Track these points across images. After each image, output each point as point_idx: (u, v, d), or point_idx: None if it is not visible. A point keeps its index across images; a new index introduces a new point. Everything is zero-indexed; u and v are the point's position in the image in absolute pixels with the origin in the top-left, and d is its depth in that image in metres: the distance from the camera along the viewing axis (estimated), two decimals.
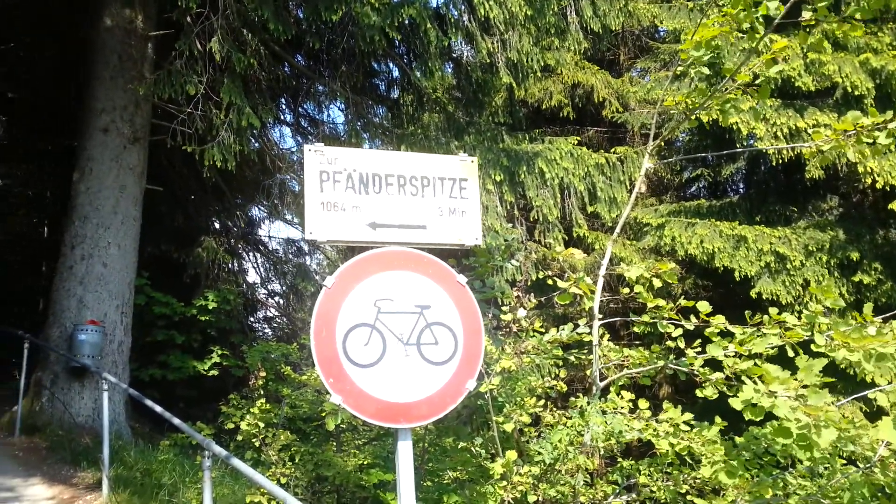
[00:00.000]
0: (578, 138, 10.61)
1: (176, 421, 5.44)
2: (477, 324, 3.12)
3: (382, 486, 5.11)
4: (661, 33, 15.51)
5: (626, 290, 4.06)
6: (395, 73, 11.53)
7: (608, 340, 4.28)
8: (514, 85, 9.50)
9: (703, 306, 3.72)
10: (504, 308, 3.98)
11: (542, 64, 9.90)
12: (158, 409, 5.87)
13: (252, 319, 13.92)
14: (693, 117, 4.23)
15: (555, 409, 4.14)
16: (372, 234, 3.18)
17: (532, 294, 4.11)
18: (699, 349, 3.83)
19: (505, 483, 3.51)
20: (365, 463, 5.41)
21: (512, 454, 3.37)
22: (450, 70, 11.13)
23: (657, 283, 3.87)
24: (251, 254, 13.85)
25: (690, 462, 3.83)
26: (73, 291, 8.97)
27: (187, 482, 6.76)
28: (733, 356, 3.51)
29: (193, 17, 8.07)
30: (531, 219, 9.34)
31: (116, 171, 9.24)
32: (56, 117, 13.77)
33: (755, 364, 3.28)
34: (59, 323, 8.95)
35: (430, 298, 3.10)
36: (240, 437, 5.73)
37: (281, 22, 7.90)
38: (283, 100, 12.24)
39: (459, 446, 4.03)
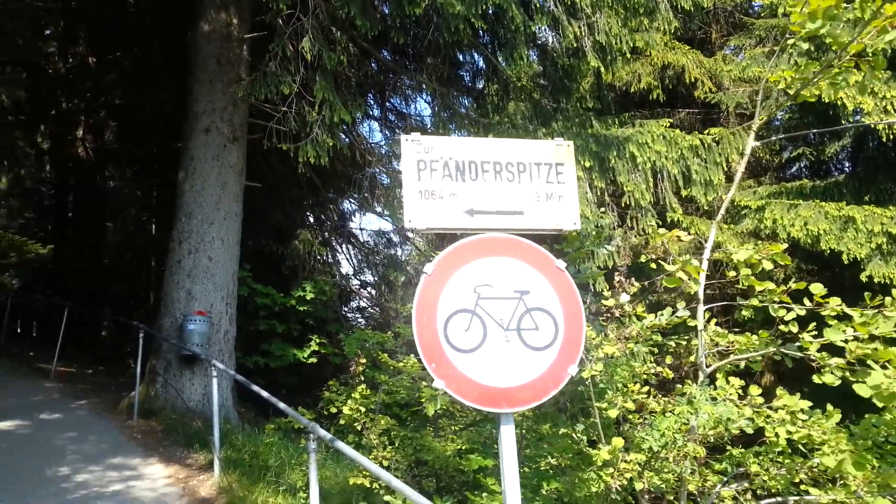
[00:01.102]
0: (670, 120, 10.29)
1: (282, 405, 5.68)
2: (577, 309, 3.10)
3: (481, 471, 5.17)
4: (756, 8, 14.82)
5: (732, 273, 3.92)
6: (480, 63, 11.54)
7: (715, 325, 4.15)
8: (602, 69, 9.29)
9: (817, 288, 3.55)
10: (606, 293, 3.93)
11: (631, 46, 9.64)
12: (265, 394, 6.13)
13: (346, 309, 14.31)
14: (807, 93, 4.01)
15: (658, 395, 4.07)
16: (469, 221, 3.21)
17: (633, 278, 4.04)
18: (815, 333, 3.65)
19: (611, 470, 3.47)
20: (463, 448, 5.48)
21: (619, 441, 3.33)
22: (535, 57, 11.01)
23: (767, 265, 3.72)
24: (344, 246, 14.22)
25: (803, 451, 3.67)
26: (181, 284, 9.48)
27: (292, 464, 7.05)
28: (852, 340, 3.33)
29: (285, 19, 8.32)
30: (623, 204, 9.13)
31: (218, 170, 9.68)
32: (161, 121, 14.56)
33: (879, 348, 3.10)
34: (170, 314, 9.48)
35: (529, 284, 3.11)
36: (342, 422, 5.92)
37: (368, 18, 8.04)
38: (370, 95, 12.47)
39: (560, 432, 4.02)
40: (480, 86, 11.36)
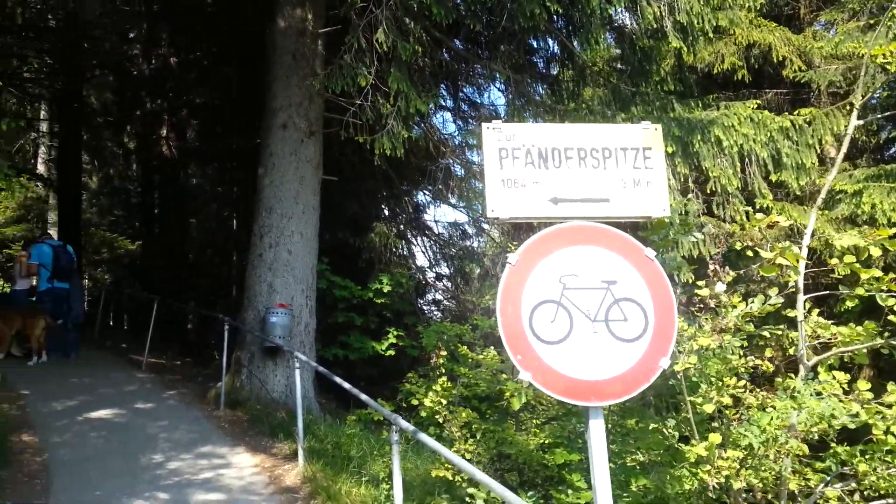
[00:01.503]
0: (758, 102, 9.82)
1: (363, 397, 5.73)
2: (668, 299, 2.98)
3: (565, 466, 5.07)
4: None
5: (835, 260, 3.68)
6: (554, 49, 11.33)
7: (817, 315, 3.92)
8: (684, 50, 8.95)
9: None
10: (699, 283, 3.76)
11: (714, 25, 9.25)
12: (346, 385, 6.20)
13: (422, 301, 14.38)
14: None
15: (756, 389, 3.87)
16: (553, 210, 3.13)
17: (727, 267, 3.85)
18: None
19: (707, 467, 3.32)
20: (546, 442, 5.39)
21: (716, 437, 3.19)
22: (611, 40, 10.74)
23: (875, 251, 3.47)
24: (419, 238, 14.27)
25: None
26: (263, 277, 9.72)
27: (374, 455, 7.12)
28: None
29: (358, 12, 8.37)
30: (708, 191, 8.78)
31: (296, 164, 9.86)
32: (240, 118, 14.96)
33: None
34: (253, 307, 9.73)
35: (617, 273, 3.00)
36: (423, 414, 5.93)
37: (442, 6, 7.99)
38: (443, 86, 12.45)
39: (650, 428, 3.88)
40: (555, 72, 11.14)
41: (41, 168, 26.23)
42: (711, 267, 3.79)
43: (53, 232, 18.89)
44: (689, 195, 8.16)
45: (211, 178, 20.01)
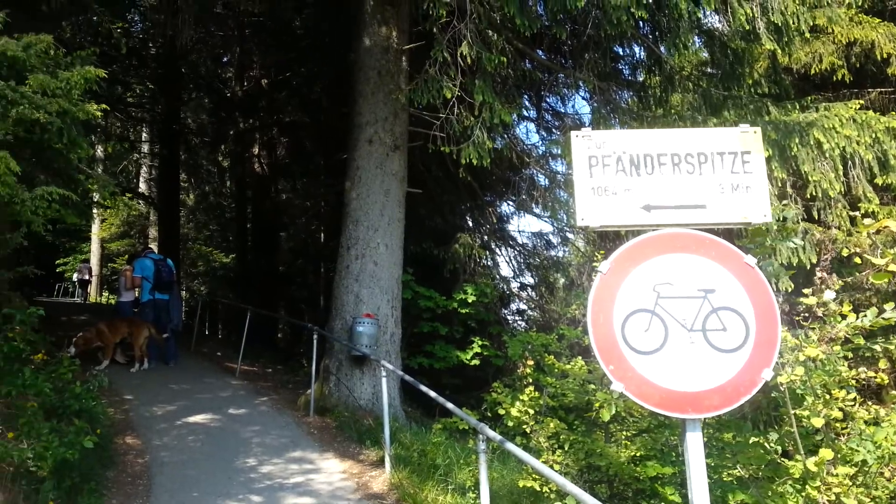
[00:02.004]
0: (861, 102, 9.31)
1: (449, 405, 5.75)
2: (770, 308, 2.86)
3: (657, 479, 4.94)
4: None
5: None
6: (640, 55, 11.13)
7: None
8: (778, 51, 8.60)
9: None
10: (805, 291, 3.59)
11: (810, 24, 8.85)
12: (432, 394, 6.24)
13: (506, 311, 14.35)
14: None
15: (868, 403, 3.65)
16: (646, 217, 3.07)
17: (834, 275, 3.66)
18: None
19: (817, 483, 3.16)
20: (638, 455, 5.26)
21: (828, 452, 3.03)
22: (700, 44, 10.45)
23: None
24: (503, 248, 14.28)
25: None
26: (350, 288, 9.94)
27: (460, 464, 7.13)
28: None
29: (442, 27, 8.49)
30: (807, 196, 8.38)
31: (381, 178, 10.06)
32: (327, 135, 15.42)
33: None
34: (341, 316, 9.96)
35: (715, 281, 2.91)
36: (509, 424, 5.90)
37: (526, 17, 8.00)
38: (526, 96, 12.44)
39: (751, 441, 3.73)
40: (641, 78, 10.94)
41: (143, 187, 27.85)
42: (819, 274, 3.61)
43: (154, 246, 19.95)
44: (787, 201, 7.81)
45: (300, 193, 20.70)
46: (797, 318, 3.77)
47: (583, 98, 12.06)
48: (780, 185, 8.31)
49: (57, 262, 29.02)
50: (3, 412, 5.74)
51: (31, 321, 6.18)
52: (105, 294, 28.00)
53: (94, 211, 23.94)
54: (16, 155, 5.33)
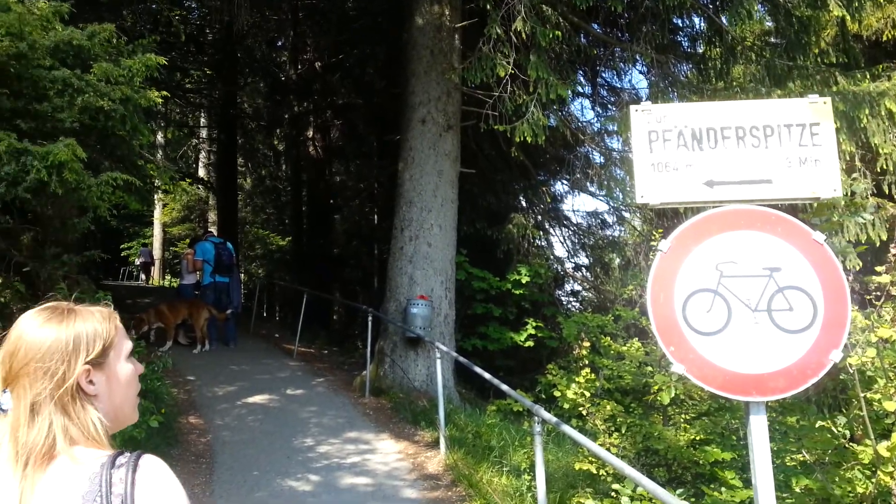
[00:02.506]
0: None
1: (504, 387, 5.73)
2: (840, 287, 2.72)
3: (717, 463, 4.82)
4: None
5: None
6: (699, 26, 10.77)
7: None
8: (847, 18, 8.19)
9: None
10: (878, 268, 3.42)
11: None
12: (487, 375, 6.22)
13: (560, 293, 14.20)
14: None
15: None
16: (709, 193, 2.95)
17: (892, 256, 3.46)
18: None
19: (891, 469, 3.03)
20: (697, 439, 5.15)
21: None
22: (763, 12, 10.03)
23: None
24: (557, 228, 14.10)
25: None
26: (404, 270, 9.98)
27: (515, 446, 7.13)
28: None
29: (495, 2, 8.37)
30: (877, 169, 7.98)
31: (434, 158, 10.03)
32: (380, 116, 15.45)
33: None
34: (395, 298, 10.03)
35: (781, 260, 2.79)
36: (565, 406, 5.84)
37: None
38: (580, 72, 12.20)
39: (817, 425, 3.59)
40: (701, 50, 10.58)
41: (202, 172, 28.53)
42: (893, 250, 3.42)
43: (214, 230, 20.44)
44: (855, 174, 7.46)
45: (354, 175, 20.86)
46: (868, 298, 3.60)
47: (640, 72, 11.79)
48: (848, 158, 7.94)
49: (122, 246, 30.04)
50: None
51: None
52: (168, 277, 28.88)
53: (156, 196, 24.66)
54: (82, 142, 5.49)
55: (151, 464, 1.29)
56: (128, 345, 1.46)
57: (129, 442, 5.65)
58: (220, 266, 12.37)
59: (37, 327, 1.33)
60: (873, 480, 3.24)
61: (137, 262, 27.95)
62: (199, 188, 27.53)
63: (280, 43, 20.76)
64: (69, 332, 1.33)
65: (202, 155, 29.13)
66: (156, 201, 27.71)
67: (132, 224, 29.90)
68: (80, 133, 5.85)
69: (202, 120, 25.61)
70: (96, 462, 1.26)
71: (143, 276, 27.56)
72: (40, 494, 1.22)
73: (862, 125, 7.55)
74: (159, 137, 23.56)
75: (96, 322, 1.38)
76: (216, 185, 23.73)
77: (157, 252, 29.30)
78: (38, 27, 5.62)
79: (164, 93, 6.92)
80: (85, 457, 1.27)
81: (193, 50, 17.92)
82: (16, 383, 1.30)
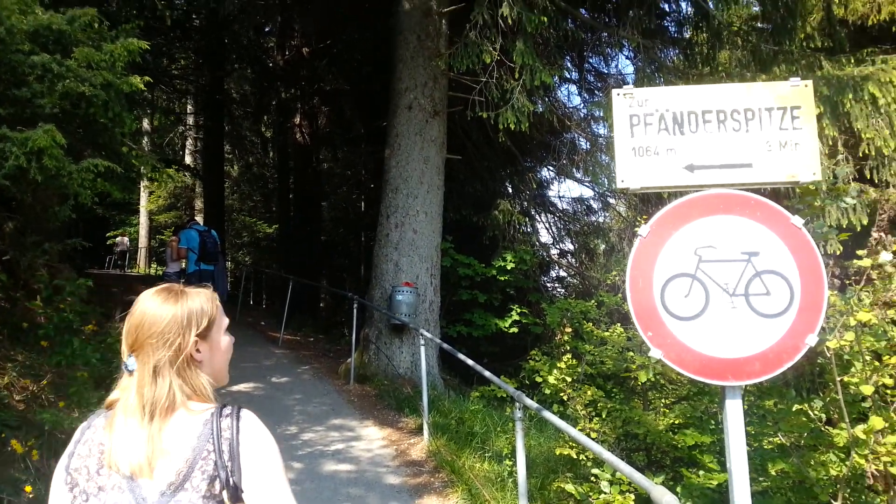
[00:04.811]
0: None
1: (487, 374, 5.73)
2: (817, 271, 2.73)
3: (696, 447, 4.86)
4: None
5: None
6: (687, 11, 10.74)
7: None
8: (834, 1, 8.17)
9: None
10: (860, 252, 3.42)
11: None
12: (470, 362, 6.22)
13: (545, 279, 14.23)
14: None
15: None
16: (689, 178, 2.95)
17: (890, 235, 3.47)
18: None
19: (866, 451, 3.05)
20: (676, 423, 5.18)
21: (878, 420, 2.91)
22: None
23: None
24: (542, 215, 14.11)
25: None
26: (390, 256, 9.95)
27: (497, 432, 7.14)
28: None
29: None
30: (860, 154, 7.99)
31: (420, 145, 9.98)
32: (366, 103, 15.35)
33: None
34: (380, 285, 10.00)
35: (759, 244, 2.79)
36: (546, 391, 5.86)
37: None
38: (567, 58, 12.15)
39: (794, 409, 3.62)
40: (688, 35, 10.55)
41: (188, 159, 28.25)
42: (874, 234, 3.42)
43: (199, 218, 20.30)
44: (838, 158, 7.47)
45: (341, 162, 20.78)
46: (847, 282, 3.61)
47: (627, 58, 11.74)
48: (830, 143, 7.95)
49: (108, 234, 29.80)
50: (55, 381, 5.92)
51: (80, 292, 6.32)
52: (154, 265, 28.69)
53: (142, 184, 24.41)
54: (62, 128, 5.41)
55: (250, 415, 1.64)
56: (225, 321, 1.76)
57: None
58: (205, 254, 12.24)
59: (157, 306, 1.63)
60: (847, 463, 3.27)
61: (116, 249, 27.92)
62: (185, 175, 27.29)
63: (267, 29, 20.55)
64: (183, 310, 1.64)
65: (189, 142, 28.84)
66: (142, 189, 27.45)
67: (118, 212, 29.62)
68: (61, 119, 5.76)
69: (189, 107, 25.34)
70: (207, 412, 1.60)
71: (119, 264, 27.48)
72: (166, 437, 1.55)
73: (845, 110, 7.56)
74: (145, 124, 23.29)
75: (203, 302, 1.68)
76: (203, 172, 23.54)
77: (143, 240, 29.09)
78: (17, 11, 5.50)
79: (147, 78, 6.79)
80: (198, 408, 1.60)
81: (179, 35, 17.68)
82: (140, 350, 1.60)
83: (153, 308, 1.63)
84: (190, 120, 26.46)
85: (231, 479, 1.54)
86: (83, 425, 1.67)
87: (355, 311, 9.87)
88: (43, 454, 4.63)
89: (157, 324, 1.60)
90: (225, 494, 1.54)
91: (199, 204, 26.72)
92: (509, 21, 7.86)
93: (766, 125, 2.90)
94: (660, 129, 2.98)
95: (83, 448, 1.61)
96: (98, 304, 8.13)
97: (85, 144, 6.70)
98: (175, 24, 16.12)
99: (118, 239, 27.74)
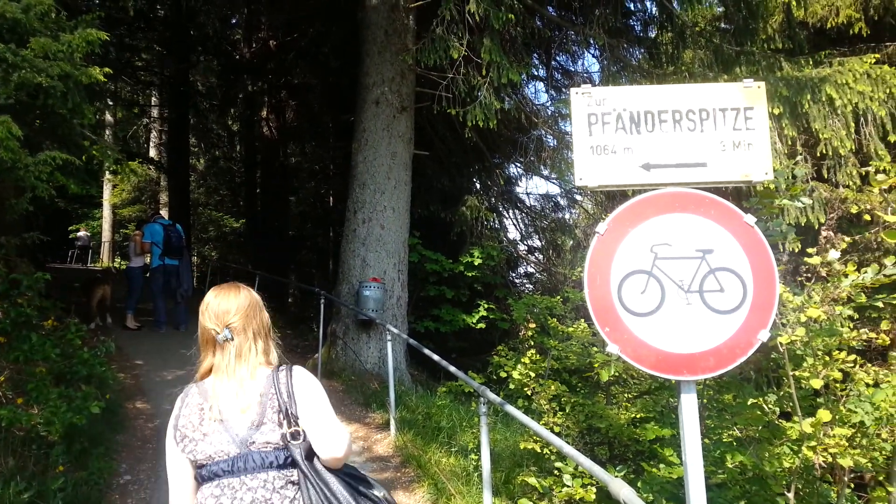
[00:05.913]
0: (876, 56, 9.02)
1: (452, 369, 5.75)
2: (769, 269, 2.79)
3: (658, 441, 4.94)
4: None
5: None
6: (652, 10, 10.87)
7: None
8: (794, 4, 8.35)
9: None
10: (810, 250, 3.50)
11: None
12: (436, 357, 6.24)
13: (513, 275, 14.31)
14: None
15: (868, 364, 3.60)
16: (646, 176, 3.00)
17: (840, 234, 3.56)
18: None
19: (814, 443, 3.13)
20: (638, 417, 5.26)
21: (825, 413, 2.99)
22: None
23: None
24: (510, 211, 14.19)
25: None
26: (357, 252, 9.92)
27: (463, 426, 7.18)
28: None
29: None
30: (818, 154, 8.19)
31: (388, 140, 9.96)
32: (334, 97, 15.25)
33: None
34: (347, 280, 9.97)
35: (713, 242, 2.85)
36: (511, 386, 5.91)
37: None
38: (535, 55, 12.21)
39: (749, 403, 3.70)
40: (653, 35, 10.69)
41: (153, 152, 27.79)
42: (824, 233, 3.51)
43: (165, 212, 19.99)
44: (797, 159, 7.64)
45: (309, 156, 20.61)
46: (800, 279, 3.70)
47: (593, 56, 11.83)
48: (790, 143, 8.13)
49: (70, 228, 29.19)
50: (13, 378, 5.80)
51: (38, 287, 6.20)
52: (118, 259, 28.20)
53: (106, 177, 23.95)
54: (19, 120, 5.29)
55: (299, 367, 2.38)
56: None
57: (71, 429, 5.48)
58: (170, 248, 12.09)
59: (237, 294, 2.39)
60: (799, 455, 3.36)
61: (77, 244, 27.45)
62: (150, 169, 26.83)
63: (234, 20, 20.29)
64: (252, 296, 2.42)
65: (153, 135, 28.37)
66: (105, 182, 26.92)
67: (80, 205, 29.01)
68: (17, 110, 5.64)
69: (153, 99, 24.92)
70: (270, 370, 2.32)
71: (79, 258, 27.04)
72: (248, 388, 2.25)
73: (804, 110, 7.73)
74: (108, 116, 22.82)
75: (253, 291, 2.45)
76: (168, 165, 23.14)
77: (106, 234, 28.54)
78: None
79: (108, 69, 6.66)
80: (269, 368, 2.33)
81: (143, 26, 17.39)
82: (236, 325, 2.32)
83: (234, 295, 2.38)
84: (154, 112, 26.03)
85: (290, 410, 2.22)
86: (181, 395, 2.34)
87: (323, 306, 9.82)
88: None
89: (243, 306, 2.35)
90: (286, 423, 2.20)
91: (164, 198, 26.31)
92: (476, 17, 7.88)
93: (720, 125, 2.95)
94: (617, 129, 3.01)
95: (186, 410, 2.27)
96: (58, 299, 7.96)
97: (43, 136, 6.56)
98: (138, 14, 15.85)
99: (80, 234, 27.25)
